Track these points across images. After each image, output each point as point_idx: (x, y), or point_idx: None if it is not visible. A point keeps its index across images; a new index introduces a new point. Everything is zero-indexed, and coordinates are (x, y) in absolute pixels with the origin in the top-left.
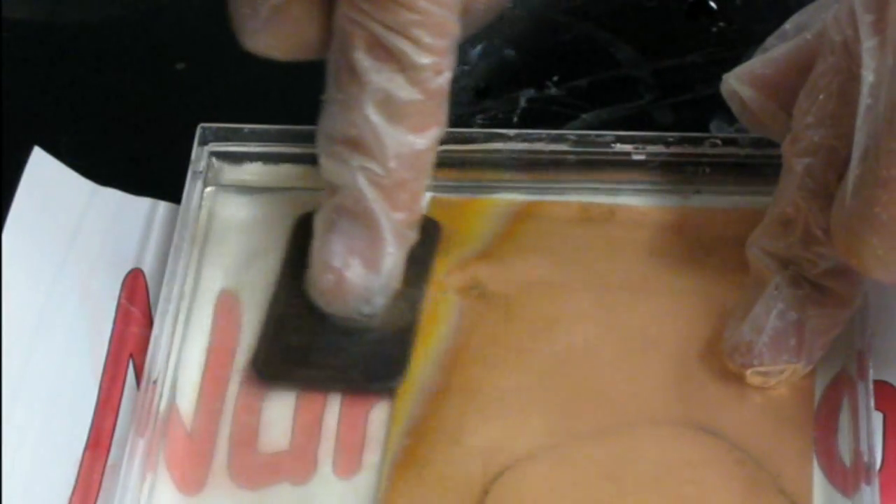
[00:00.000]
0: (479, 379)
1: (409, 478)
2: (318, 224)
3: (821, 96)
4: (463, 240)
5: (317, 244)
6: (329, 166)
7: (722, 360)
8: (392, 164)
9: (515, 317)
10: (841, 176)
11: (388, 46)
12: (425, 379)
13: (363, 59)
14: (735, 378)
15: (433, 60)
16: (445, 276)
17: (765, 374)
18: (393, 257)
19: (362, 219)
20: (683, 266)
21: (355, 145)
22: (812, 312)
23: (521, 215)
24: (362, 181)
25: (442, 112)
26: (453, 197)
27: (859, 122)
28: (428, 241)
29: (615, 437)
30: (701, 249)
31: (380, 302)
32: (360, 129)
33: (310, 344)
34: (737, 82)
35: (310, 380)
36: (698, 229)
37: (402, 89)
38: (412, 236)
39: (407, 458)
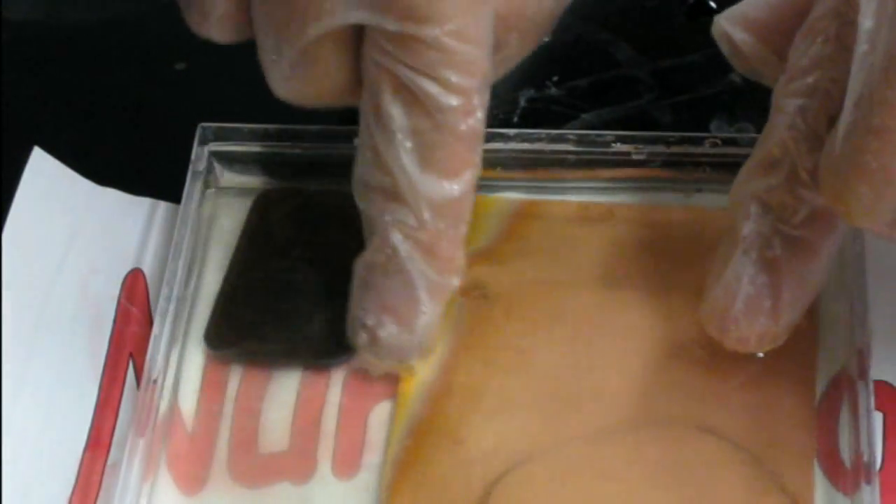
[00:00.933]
0: (482, 379)
1: (411, 478)
2: (355, 277)
3: (818, 39)
4: None
5: (352, 299)
6: (365, 214)
7: (723, 358)
8: (426, 214)
9: (517, 317)
10: (832, 121)
11: (413, 89)
12: (427, 379)
13: (390, 104)
14: (737, 377)
15: (462, 101)
16: None
17: (743, 339)
18: (428, 315)
19: (396, 276)
20: (684, 265)
21: (388, 193)
22: (784, 271)
23: (521, 215)
24: (396, 237)
25: (476, 154)
26: None
27: (854, 68)
28: None
29: (617, 438)
30: (701, 249)
31: (415, 359)
32: (392, 176)
33: (261, 318)
34: (729, 24)
35: (259, 353)
36: (698, 229)
37: (431, 133)
38: (454, 285)
39: (408, 458)
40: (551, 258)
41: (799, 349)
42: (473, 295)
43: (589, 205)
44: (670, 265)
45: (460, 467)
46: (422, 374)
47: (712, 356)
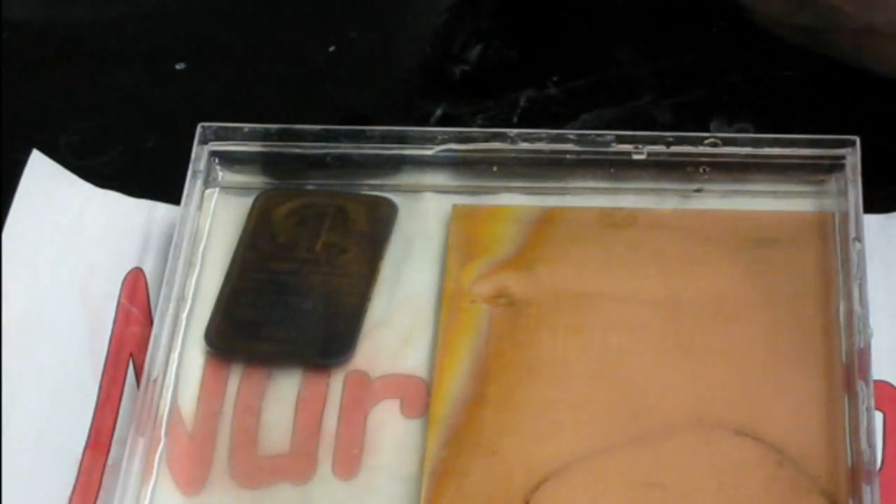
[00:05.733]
0: (514, 388)
1: (448, 489)
2: None
3: None
4: (487, 248)
5: None
6: None
7: (756, 362)
8: None
9: (545, 325)
10: None
11: None
12: (458, 388)
13: None
14: (771, 380)
15: None
16: (472, 284)
17: None
18: None
19: None
20: (709, 269)
21: None
22: None
23: (544, 221)
24: None
25: None
26: (474, 204)
27: None
28: (384, 220)
29: (653, 444)
30: (724, 252)
31: None
32: None
33: (261, 318)
34: None
35: (260, 353)
36: (722, 232)
37: None
38: None
39: (445, 469)
40: (576, 265)
41: (829, 351)
42: (499, 303)
43: (611, 211)
44: (695, 269)
45: (498, 478)
46: (451, 384)
47: (746, 360)
